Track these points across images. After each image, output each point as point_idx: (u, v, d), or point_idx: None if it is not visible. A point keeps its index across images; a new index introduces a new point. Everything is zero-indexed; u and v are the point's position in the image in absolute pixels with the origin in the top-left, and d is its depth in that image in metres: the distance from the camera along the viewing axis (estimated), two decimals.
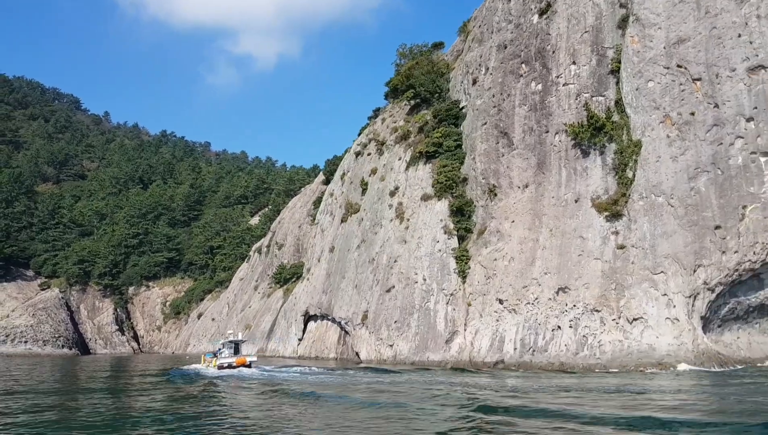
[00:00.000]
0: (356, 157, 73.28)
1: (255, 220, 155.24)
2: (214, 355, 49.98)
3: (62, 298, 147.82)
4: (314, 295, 68.63)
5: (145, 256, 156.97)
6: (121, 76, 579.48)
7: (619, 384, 29.42)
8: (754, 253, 40.34)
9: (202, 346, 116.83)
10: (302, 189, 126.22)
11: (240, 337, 54.18)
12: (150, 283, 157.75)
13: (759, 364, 40.18)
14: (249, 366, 45.38)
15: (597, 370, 38.43)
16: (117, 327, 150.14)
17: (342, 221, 70.27)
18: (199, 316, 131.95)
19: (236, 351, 48.43)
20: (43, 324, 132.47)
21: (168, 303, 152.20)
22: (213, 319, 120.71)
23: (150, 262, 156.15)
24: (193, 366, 50.38)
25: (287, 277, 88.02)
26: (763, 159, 41.46)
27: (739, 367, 38.61)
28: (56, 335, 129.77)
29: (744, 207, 41.03)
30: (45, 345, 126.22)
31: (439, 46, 76.38)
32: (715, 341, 42.06)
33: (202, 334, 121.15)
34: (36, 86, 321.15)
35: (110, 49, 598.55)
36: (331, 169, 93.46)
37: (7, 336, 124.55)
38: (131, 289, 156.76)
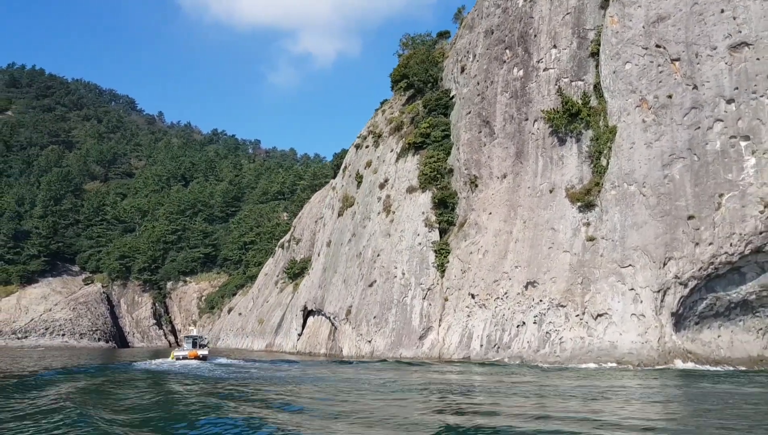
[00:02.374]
0: (356, 150, 72.42)
1: (285, 216, 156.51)
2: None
3: (103, 292, 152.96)
4: (312, 290, 68.26)
5: (183, 252, 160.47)
6: (183, 78, 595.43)
7: (549, 384, 27.58)
8: (730, 244, 37.51)
9: (229, 339, 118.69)
10: (328, 184, 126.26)
11: (196, 333, 58.86)
12: (187, 278, 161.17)
13: (740, 366, 37.23)
14: (202, 359, 48.11)
15: (553, 368, 36.41)
16: (155, 321, 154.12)
17: (339, 215, 69.61)
18: (230, 310, 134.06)
19: (194, 345, 51.24)
20: (82, 318, 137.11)
21: (203, 298, 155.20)
22: (240, 314, 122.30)
23: (187, 258, 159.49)
24: (161, 360, 51.27)
25: (296, 272, 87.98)
26: (743, 143, 38.53)
27: (711, 368, 35.92)
28: (93, 329, 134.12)
29: (721, 195, 38.22)
30: (82, 338, 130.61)
31: (444, 35, 74.56)
32: (691, 339, 39.37)
33: (229, 329, 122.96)
34: (93, 88, 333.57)
35: (172, 51, 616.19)
36: (338, 162, 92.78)
37: (46, 329, 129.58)
38: (169, 284, 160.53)
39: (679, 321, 38.99)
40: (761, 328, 40.02)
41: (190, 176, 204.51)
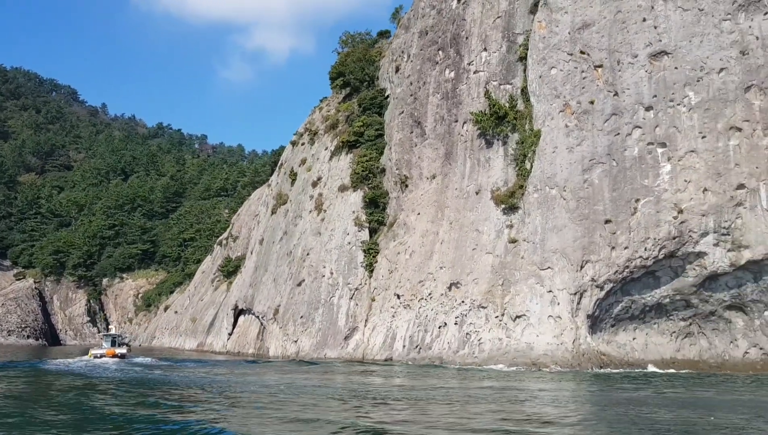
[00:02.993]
0: (293, 147, 71.59)
1: (227, 213, 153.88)
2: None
3: (36, 288, 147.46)
4: (243, 289, 67.09)
5: (120, 248, 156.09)
6: (131, 70, 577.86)
7: (452, 386, 27.46)
8: (645, 249, 38.31)
9: (164, 338, 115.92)
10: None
11: (115, 332, 60.80)
12: (124, 275, 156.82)
13: (653, 368, 37.98)
14: (120, 357, 48.99)
15: (470, 369, 36.46)
16: (89, 318, 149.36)
17: (272, 213, 68.64)
18: (166, 308, 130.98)
19: (113, 344, 52.41)
20: (11, 314, 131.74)
21: (140, 295, 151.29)
22: (176, 312, 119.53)
23: (124, 254, 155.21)
24: (78, 358, 50.10)
25: (231, 270, 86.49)
26: (660, 150, 39.43)
27: (621, 370, 36.56)
28: (23, 326, 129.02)
29: (637, 200, 39.01)
30: (9, 335, 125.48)
31: (384, 34, 74.26)
32: (607, 341, 40.06)
33: (165, 327, 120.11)
34: (33, 77, 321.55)
35: (120, 42, 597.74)
36: (275, 159, 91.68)
37: None
38: (105, 281, 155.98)
39: (595, 323, 39.61)
40: (675, 331, 41.02)
41: (131, 170, 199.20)
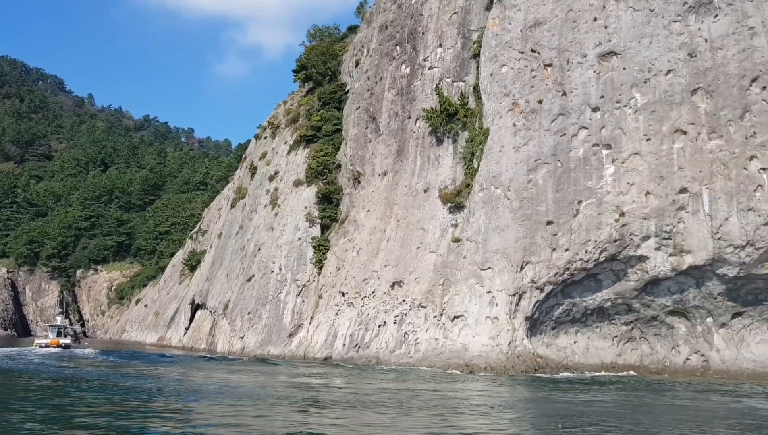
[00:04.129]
0: (256, 140, 70.76)
1: (201, 207, 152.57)
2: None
3: (8, 278, 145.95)
4: (200, 283, 66.21)
5: (96, 240, 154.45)
6: (123, 62, 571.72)
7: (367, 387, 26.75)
8: (586, 251, 37.76)
9: (133, 332, 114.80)
10: None
11: (60, 323, 62.32)
12: (98, 267, 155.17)
13: (590, 372, 37.42)
14: (64, 347, 50.88)
15: (402, 369, 35.78)
16: (61, 310, 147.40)
17: (232, 207, 67.82)
18: (137, 302, 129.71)
19: (58, 334, 54.81)
20: None
21: (114, 288, 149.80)
22: (146, 306, 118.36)
23: (99, 246, 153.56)
24: (22, 347, 51.16)
25: (194, 264, 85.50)
26: (604, 152, 38.91)
27: (562, 374, 35.98)
28: None
29: (579, 202, 38.47)
30: None
31: (354, 29, 73.45)
32: (546, 344, 39.49)
33: (134, 320, 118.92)
34: (19, 66, 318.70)
35: (114, 34, 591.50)
36: (240, 153, 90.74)
37: None
38: (79, 273, 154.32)
39: (535, 325, 39.03)
40: (616, 336, 40.52)
41: (111, 162, 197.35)
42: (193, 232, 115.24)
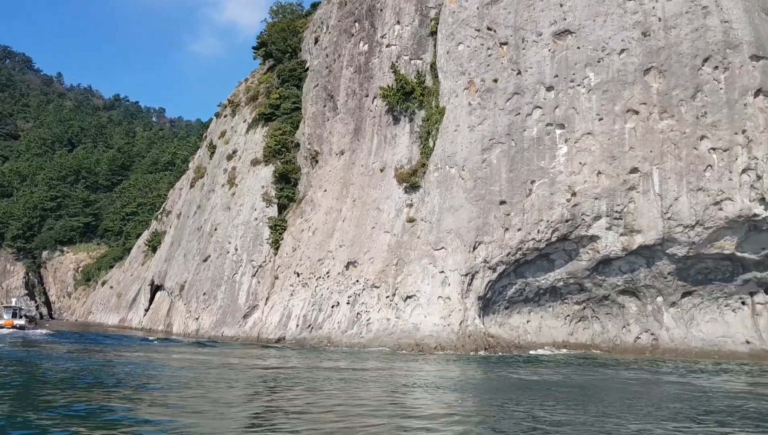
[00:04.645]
0: (216, 119, 69.61)
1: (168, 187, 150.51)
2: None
3: None
4: (159, 264, 65.28)
5: (62, 221, 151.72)
6: (93, 40, 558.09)
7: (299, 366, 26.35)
8: (538, 231, 37.72)
9: (98, 314, 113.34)
10: None
11: (15, 304, 62.97)
12: (64, 248, 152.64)
13: (541, 350, 37.52)
14: (19, 328, 51.80)
15: (350, 351, 35.53)
16: (26, 291, 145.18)
17: (191, 187, 66.82)
18: (103, 283, 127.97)
19: (13, 316, 55.31)
20: None
21: (80, 269, 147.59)
22: (111, 287, 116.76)
23: (66, 227, 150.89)
24: None
25: (155, 244, 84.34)
26: (558, 131, 38.77)
27: (505, 353, 36.01)
28: None
29: (532, 182, 38.36)
30: None
31: (317, 6, 72.23)
32: (499, 324, 39.55)
33: (100, 302, 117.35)
34: None
35: (85, 11, 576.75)
36: (203, 132, 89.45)
37: None
38: (45, 254, 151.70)
39: (487, 305, 39.01)
40: (569, 315, 40.72)
41: (78, 141, 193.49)
42: (158, 212, 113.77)
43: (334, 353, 32.94)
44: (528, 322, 40.31)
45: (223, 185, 55.73)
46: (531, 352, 36.58)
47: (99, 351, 29.80)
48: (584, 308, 40.64)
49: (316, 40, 55.40)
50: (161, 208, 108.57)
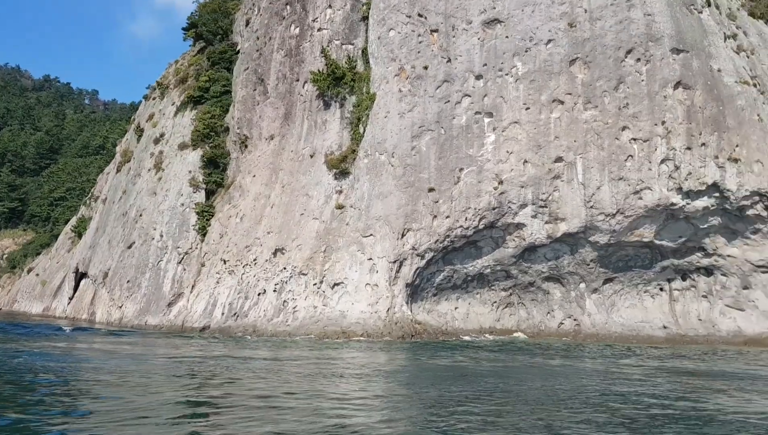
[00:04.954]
0: (145, 101, 67.30)
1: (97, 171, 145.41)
2: None
3: None
4: (84, 251, 62.85)
5: None
6: (22, 18, 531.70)
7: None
8: (465, 218, 37.94)
9: (24, 302, 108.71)
10: None
11: None
12: None
13: (465, 337, 37.83)
14: None
15: (275, 339, 34.98)
16: None
17: (117, 171, 64.51)
18: (29, 271, 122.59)
19: None
20: None
21: (5, 256, 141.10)
22: (37, 275, 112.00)
23: None
24: None
25: (81, 231, 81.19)
26: (486, 120, 39.00)
27: (432, 339, 36.18)
28: None
29: (461, 169, 38.52)
30: None
31: None
32: (428, 311, 39.70)
33: (25, 290, 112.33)
34: None
35: None
36: (132, 115, 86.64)
37: None
38: None
39: (416, 292, 39.08)
40: (496, 301, 41.24)
41: (4, 123, 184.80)
42: (86, 198, 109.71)
43: (256, 342, 32.34)
44: (456, 308, 40.62)
45: (149, 170, 53.91)
46: (460, 338, 36.85)
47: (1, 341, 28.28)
48: (511, 295, 41.23)
49: (248, 22, 54.03)
50: (90, 194, 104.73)
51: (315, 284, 37.62)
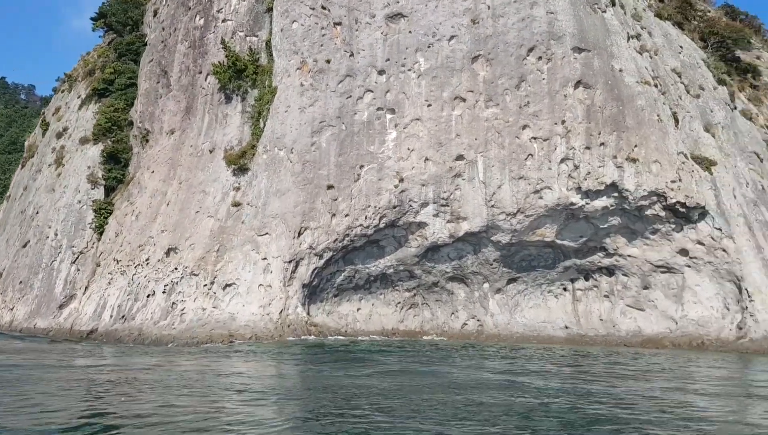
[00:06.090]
0: (55, 94, 64.13)
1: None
2: None
3: None
4: None
5: None
6: None
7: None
8: (365, 217, 36.87)
9: None
10: None
11: None
12: None
13: (366, 337, 36.69)
14: None
15: (159, 344, 33.16)
16: None
17: (21, 167, 61.24)
18: None
19: None
20: None
21: None
22: None
23: None
24: None
25: None
26: (388, 116, 38.06)
27: (326, 341, 34.88)
28: None
29: (361, 167, 37.46)
30: None
31: None
32: (328, 312, 38.48)
33: None
34: None
35: None
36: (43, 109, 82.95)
37: None
38: None
39: (315, 293, 37.82)
40: (399, 302, 40.30)
41: None
42: (6, 195, 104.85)
43: (132, 348, 30.49)
44: (358, 309, 39.49)
45: (50, 165, 51.11)
46: (356, 338, 35.68)
47: None
48: (415, 295, 40.35)
49: (155, 13, 51.83)
50: (8, 192, 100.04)
51: (206, 285, 35.91)
